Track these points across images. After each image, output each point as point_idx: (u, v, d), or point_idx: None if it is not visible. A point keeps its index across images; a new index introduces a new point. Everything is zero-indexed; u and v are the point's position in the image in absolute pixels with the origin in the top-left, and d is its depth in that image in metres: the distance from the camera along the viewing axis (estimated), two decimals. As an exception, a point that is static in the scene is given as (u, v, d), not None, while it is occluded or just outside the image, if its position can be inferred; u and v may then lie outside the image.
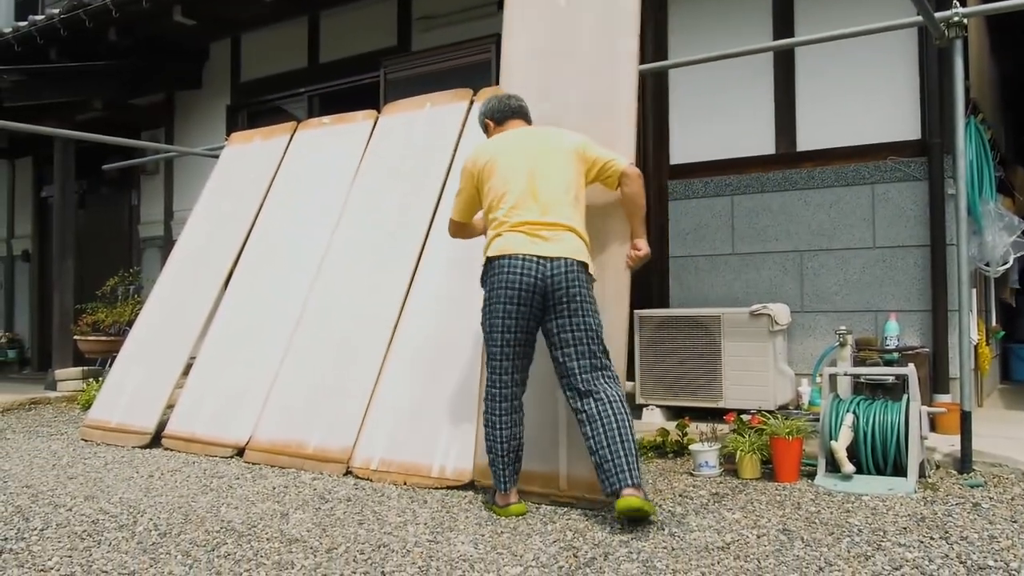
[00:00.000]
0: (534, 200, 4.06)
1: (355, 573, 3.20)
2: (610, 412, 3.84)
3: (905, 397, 4.45)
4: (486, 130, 4.55)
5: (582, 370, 3.93)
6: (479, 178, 4.26)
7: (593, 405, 3.87)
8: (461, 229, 4.54)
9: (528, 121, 4.51)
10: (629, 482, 3.70)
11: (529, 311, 3.99)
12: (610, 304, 4.37)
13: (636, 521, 3.73)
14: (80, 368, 9.18)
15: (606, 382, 3.93)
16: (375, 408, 5.16)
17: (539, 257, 3.96)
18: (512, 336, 4.01)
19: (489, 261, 4.10)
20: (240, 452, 5.54)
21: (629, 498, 3.66)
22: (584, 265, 4.02)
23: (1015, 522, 3.67)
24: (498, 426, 4.04)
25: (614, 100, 4.75)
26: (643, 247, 4.35)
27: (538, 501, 4.20)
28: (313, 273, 6.01)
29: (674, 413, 5.77)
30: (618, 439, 3.79)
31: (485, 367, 4.16)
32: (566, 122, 4.63)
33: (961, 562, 3.15)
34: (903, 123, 5.94)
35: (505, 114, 4.46)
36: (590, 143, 4.27)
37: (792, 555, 3.28)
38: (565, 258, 3.97)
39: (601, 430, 3.82)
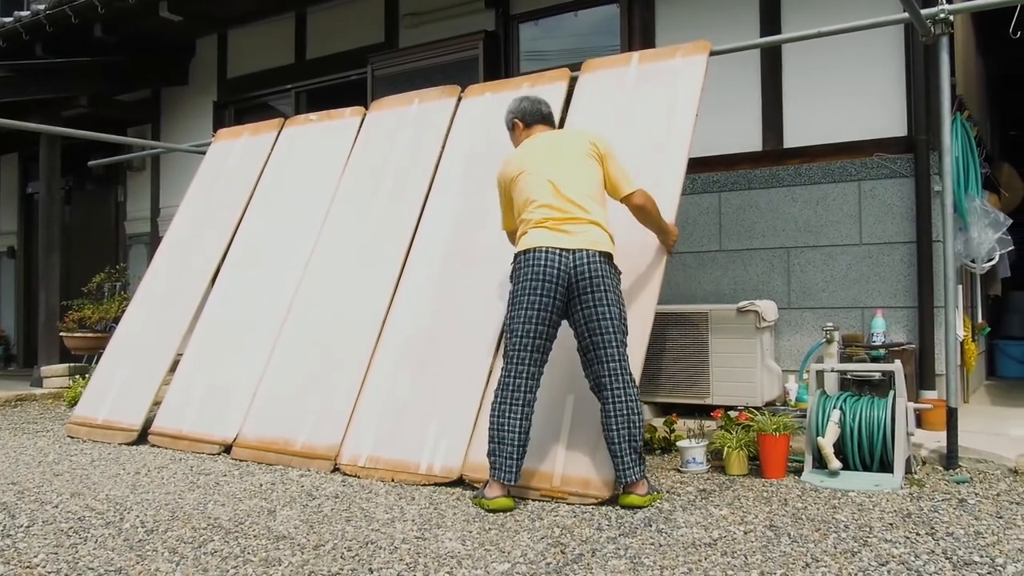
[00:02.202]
0: (557, 199, 4.17)
1: (342, 570, 3.20)
2: (624, 411, 4.01)
3: (891, 393, 4.46)
4: (513, 129, 4.63)
5: (601, 361, 4.06)
6: (508, 189, 4.43)
7: (611, 402, 4.03)
8: (514, 236, 4.48)
9: (553, 126, 4.64)
10: (634, 478, 3.99)
11: (552, 302, 4.06)
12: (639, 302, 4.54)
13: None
14: (66, 365, 9.14)
15: (624, 378, 4.05)
16: (362, 405, 5.16)
17: (562, 249, 4.07)
18: (534, 328, 4.08)
19: (516, 257, 4.21)
20: (227, 449, 5.53)
21: (629, 496, 4.00)
22: (607, 256, 4.13)
23: (1000, 518, 3.69)
24: (510, 415, 4.07)
25: (667, 166, 4.90)
26: (670, 233, 4.59)
27: (527, 497, 4.20)
28: (300, 270, 6.00)
29: (662, 409, 5.78)
30: (627, 438, 4.00)
31: (503, 359, 4.18)
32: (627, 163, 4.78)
33: (947, 558, 3.17)
34: (890, 120, 5.96)
35: (535, 118, 4.57)
36: (611, 153, 4.33)
37: (779, 551, 3.29)
38: (587, 249, 4.08)
39: (614, 427, 4.00)
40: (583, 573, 3.11)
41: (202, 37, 9.90)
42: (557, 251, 4.06)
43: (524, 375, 4.09)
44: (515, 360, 4.10)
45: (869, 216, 5.97)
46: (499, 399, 4.11)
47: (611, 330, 4.04)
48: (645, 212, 4.33)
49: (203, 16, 9.04)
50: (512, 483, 4.06)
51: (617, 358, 4.05)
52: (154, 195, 10.43)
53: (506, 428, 4.06)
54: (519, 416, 4.06)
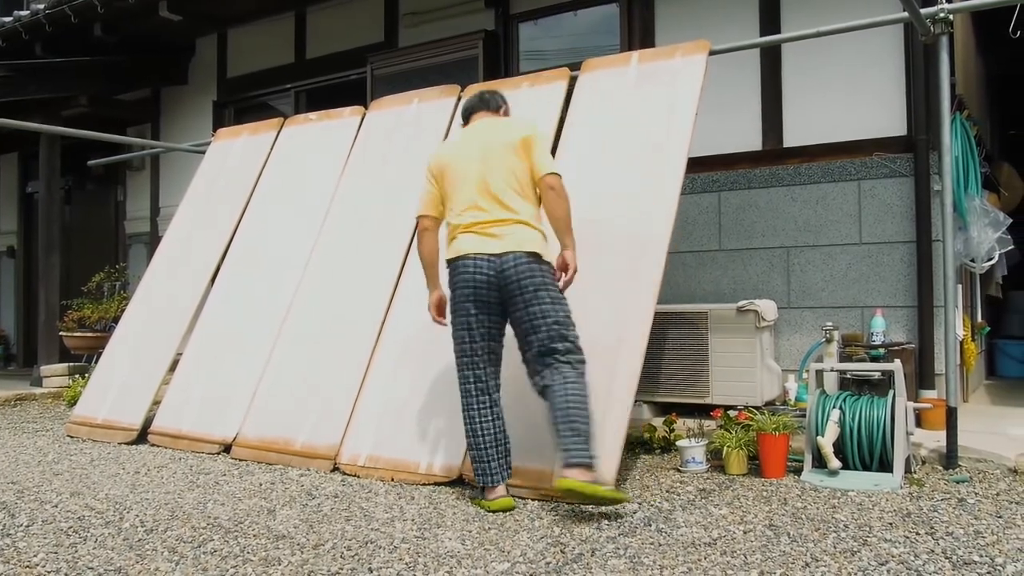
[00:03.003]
0: (484, 198, 4.14)
1: (342, 569, 3.20)
2: (561, 393, 3.94)
3: (891, 393, 4.46)
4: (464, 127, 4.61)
5: (536, 355, 4.05)
6: (439, 180, 4.37)
7: (546, 390, 4.02)
8: (425, 232, 4.43)
9: (496, 113, 4.48)
10: (571, 461, 3.85)
11: (488, 307, 4.10)
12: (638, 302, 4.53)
13: (593, 503, 3.91)
14: (66, 364, 9.14)
15: (560, 366, 3.99)
16: (362, 404, 5.16)
17: (489, 255, 4.06)
18: (474, 337, 4.14)
19: (448, 264, 4.23)
20: (227, 449, 5.53)
21: (563, 479, 3.83)
22: (534, 255, 4.06)
23: (1000, 517, 3.69)
24: (478, 419, 4.13)
25: (667, 166, 4.88)
26: (568, 263, 4.16)
27: (527, 497, 4.20)
28: (300, 269, 6.00)
29: (661, 409, 5.78)
30: (566, 419, 3.91)
31: (456, 369, 4.23)
32: (622, 178, 4.95)
33: (947, 557, 3.17)
34: (889, 119, 5.96)
35: (475, 107, 4.51)
36: (538, 139, 4.21)
37: (778, 551, 3.29)
38: (513, 252, 4.04)
39: (554, 412, 3.96)
40: (583, 572, 3.11)
41: (202, 37, 9.90)
42: (485, 257, 4.06)
43: (478, 380, 4.16)
44: (465, 369, 4.18)
45: (869, 216, 5.97)
46: (466, 406, 4.18)
47: (545, 328, 4.02)
48: (554, 197, 4.11)
49: (203, 16, 9.04)
50: (502, 483, 4.10)
51: (554, 352, 4.04)
52: (154, 195, 10.43)
53: (478, 434, 4.13)
54: (487, 419, 4.14)
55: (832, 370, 4.89)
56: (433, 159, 4.44)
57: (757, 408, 5.01)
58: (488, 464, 4.09)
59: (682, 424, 5.27)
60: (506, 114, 4.52)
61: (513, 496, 4.11)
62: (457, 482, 4.54)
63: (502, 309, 4.12)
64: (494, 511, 3.98)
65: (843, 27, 5.10)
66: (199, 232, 6.87)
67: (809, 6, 6.19)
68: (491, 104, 4.49)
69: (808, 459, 4.53)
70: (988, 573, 3.00)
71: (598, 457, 3.94)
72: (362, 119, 6.45)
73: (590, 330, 4.56)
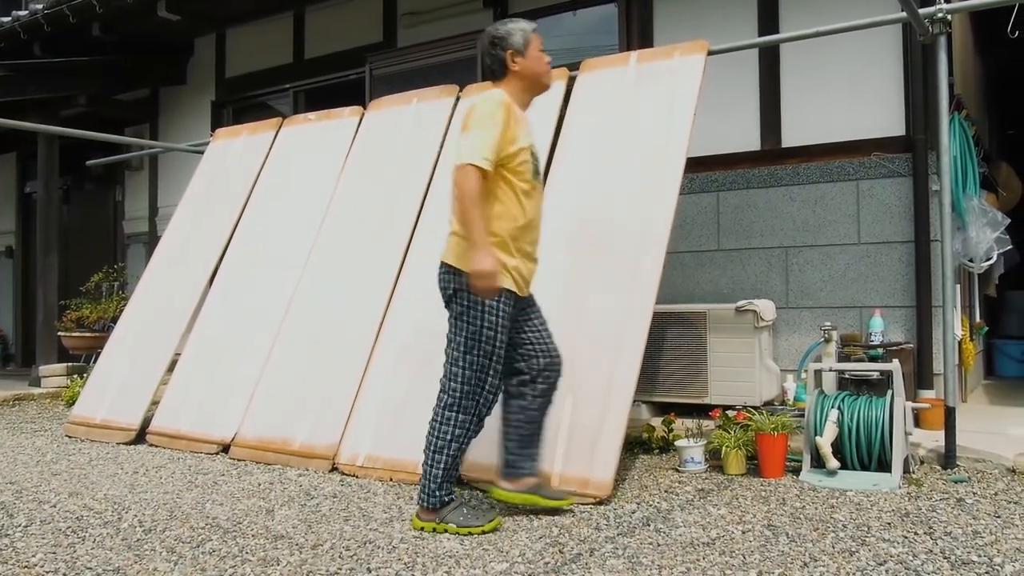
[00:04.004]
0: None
1: (340, 570, 3.20)
2: (429, 432, 3.83)
3: (889, 393, 4.47)
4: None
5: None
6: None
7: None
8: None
9: (490, 79, 4.00)
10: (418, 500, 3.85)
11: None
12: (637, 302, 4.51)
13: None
14: (64, 364, 9.14)
15: (442, 392, 3.82)
16: (361, 404, 5.16)
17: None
18: None
19: None
20: (225, 449, 5.53)
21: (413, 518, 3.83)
22: (450, 268, 3.79)
23: (999, 517, 3.69)
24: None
25: (666, 165, 4.86)
26: (474, 245, 3.60)
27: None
28: (299, 269, 5.99)
29: (660, 409, 5.77)
30: (424, 460, 3.84)
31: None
32: (621, 178, 4.90)
33: (945, 557, 3.17)
34: (888, 119, 5.96)
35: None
36: (468, 123, 3.74)
37: (777, 550, 3.29)
38: (440, 261, 3.85)
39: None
40: (581, 573, 3.11)
41: (200, 37, 9.90)
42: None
43: None
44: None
45: (867, 216, 5.97)
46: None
47: (448, 349, 3.83)
48: (456, 192, 3.64)
49: (201, 16, 9.04)
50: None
51: (441, 384, 3.84)
52: (152, 195, 10.42)
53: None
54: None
55: (830, 370, 4.89)
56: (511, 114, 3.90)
57: (756, 408, 5.01)
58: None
59: (680, 424, 5.27)
60: (499, 77, 3.96)
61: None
62: (456, 482, 4.53)
63: None
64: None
65: (842, 27, 5.10)
66: (198, 232, 6.87)
67: (808, 6, 6.19)
68: (484, 71, 4.05)
69: (807, 459, 4.53)
70: (986, 573, 3.01)
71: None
72: (361, 119, 6.45)
73: (589, 330, 4.58)
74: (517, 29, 3.97)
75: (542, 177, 4.01)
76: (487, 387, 3.80)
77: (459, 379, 3.76)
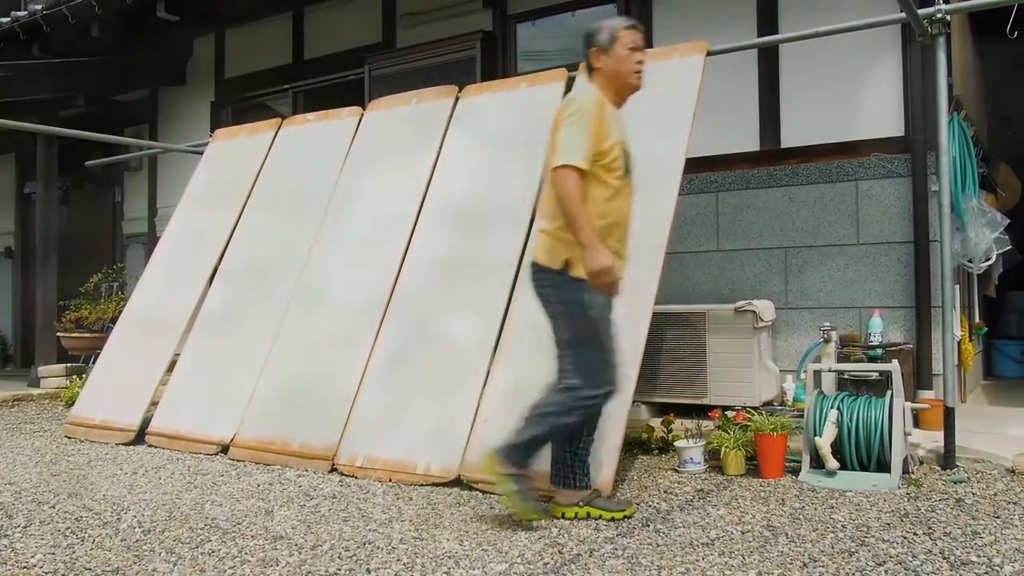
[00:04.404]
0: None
1: (340, 570, 3.20)
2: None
3: (889, 393, 4.47)
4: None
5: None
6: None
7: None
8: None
9: (589, 72, 3.98)
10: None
11: None
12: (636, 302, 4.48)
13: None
14: (64, 365, 9.14)
15: (556, 390, 3.77)
16: (360, 404, 5.16)
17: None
18: None
19: None
20: (225, 449, 5.52)
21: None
22: (541, 266, 3.79)
23: (998, 518, 3.69)
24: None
25: (665, 166, 4.89)
26: (591, 264, 3.59)
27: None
28: (298, 269, 5.99)
29: (659, 409, 5.77)
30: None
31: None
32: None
33: (944, 558, 3.17)
34: (887, 120, 5.96)
35: None
36: (560, 123, 3.75)
37: (776, 551, 3.29)
38: (531, 261, 3.88)
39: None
40: (581, 573, 3.11)
41: (200, 37, 9.89)
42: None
43: None
44: None
45: (866, 216, 5.97)
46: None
47: (558, 351, 3.81)
48: (557, 194, 3.65)
49: (200, 16, 9.03)
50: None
51: (554, 383, 3.80)
52: (151, 195, 10.42)
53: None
54: None
55: (830, 370, 4.89)
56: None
57: (755, 408, 5.02)
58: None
59: (680, 425, 5.27)
60: (590, 74, 3.96)
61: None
62: (455, 483, 4.53)
63: None
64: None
65: (841, 28, 5.11)
66: (197, 232, 6.86)
67: (807, 7, 6.19)
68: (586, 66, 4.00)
69: (806, 459, 4.53)
70: (986, 573, 3.01)
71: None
72: (360, 119, 6.45)
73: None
74: (606, 27, 3.94)
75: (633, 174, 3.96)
76: (605, 377, 3.72)
77: (574, 375, 3.71)
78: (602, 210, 3.72)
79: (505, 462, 3.70)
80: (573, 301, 3.70)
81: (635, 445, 5.19)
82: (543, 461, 3.96)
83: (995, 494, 4.09)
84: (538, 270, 3.81)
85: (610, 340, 3.74)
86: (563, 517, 3.84)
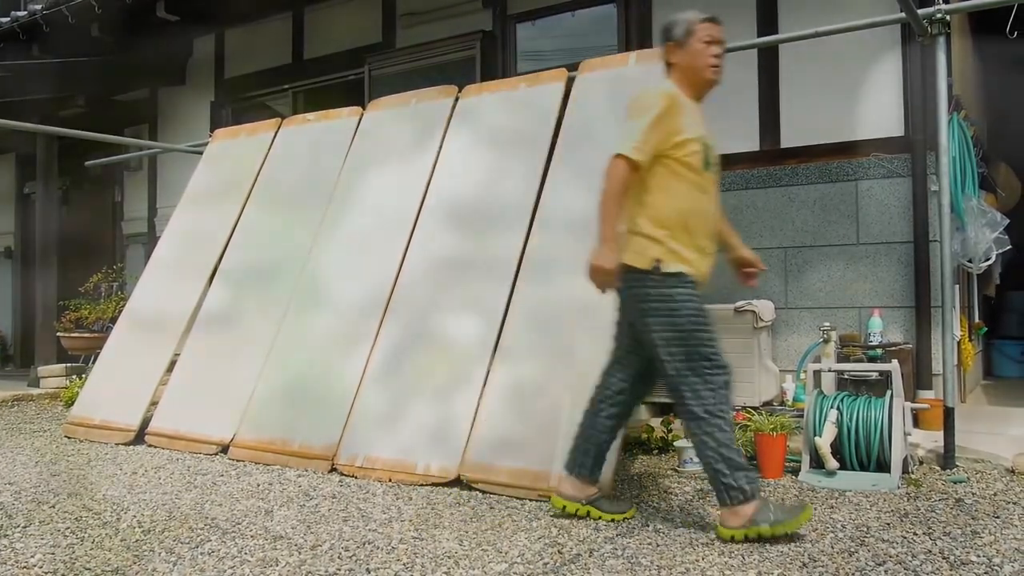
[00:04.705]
0: None
1: (340, 570, 3.20)
2: (693, 439, 3.61)
3: (888, 393, 4.47)
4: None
5: (667, 384, 3.68)
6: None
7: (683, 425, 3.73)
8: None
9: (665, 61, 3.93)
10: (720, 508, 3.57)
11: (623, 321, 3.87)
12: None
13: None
14: (63, 365, 9.14)
15: (682, 397, 3.58)
16: (360, 404, 5.15)
17: None
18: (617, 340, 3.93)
19: None
20: (224, 449, 5.52)
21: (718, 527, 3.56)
22: (628, 268, 3.62)
23: (998, 517, 3.69)
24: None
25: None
26: (593, 258, 3.57)
27: (524, 497, 4.20)
28: (298, 269, 5.99)
29: (659, 409, 5.77)
30: (705, 466, 3.59)
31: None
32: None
33: (944, 558, 3.17)
34: (887, 120, 5.96)
35: None
36: (631, 109, 3.70)
37: (776, 551, 3.29)
38: (620, 264, 3.63)
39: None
40: (580, 573, 3.11)
41: (199, 37, 9.89)
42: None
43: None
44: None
45: (866, 216, 5.97)
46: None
47: (658, 355, 3.62)
48: (603, 187, 3.58)
49: (200, 16, 9.02)
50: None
51: (672, 391, 3.62)
52: (151, 195, 10.43)
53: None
54: None
55: (830, 370, 4.89)
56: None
57: (755, 408, 5.02)
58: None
59: (680, 424, 5.26)
60: (667, 68, 3.91)
61: (511, 496, 4.11)
62: (455, 483, 4.52)
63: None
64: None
65: (840, 27, 5.11)
66: (196, 232, 6.86)
67: (806, 7, 6.20)
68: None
69: (806, 459, 4.53)
70: (985, 573, 3.01)
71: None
72: (360, 119, 6.45)
73: (588, 328, 4.58)
74: (682, 20, 3.82)
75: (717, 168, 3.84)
76: (710, 373, 3.54)
77: (682, 376, 3.55)
78: (678, 204, 3.62)
79: (737, 512, 3.45)
80: (666, 298, 3.58)
81: (635, 445, 5.20)
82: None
83: (995, 494, 4.09)
84: (627, 272, 3.64)
85: (706, 332, 3.58)
86: (563, 511, 3.81)
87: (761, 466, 4.55)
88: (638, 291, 3.65)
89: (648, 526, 3.68)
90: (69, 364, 9.13)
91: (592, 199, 4.82)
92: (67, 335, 9.05)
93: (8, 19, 9.15)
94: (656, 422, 5.29)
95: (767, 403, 5.61)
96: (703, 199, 3.71)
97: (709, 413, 3.50)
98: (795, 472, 4.53)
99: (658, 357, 3.61)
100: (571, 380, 4.42)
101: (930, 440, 4.86)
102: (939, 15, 4.68)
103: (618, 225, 3.58)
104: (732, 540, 3.42)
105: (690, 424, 3.58)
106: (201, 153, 7.60)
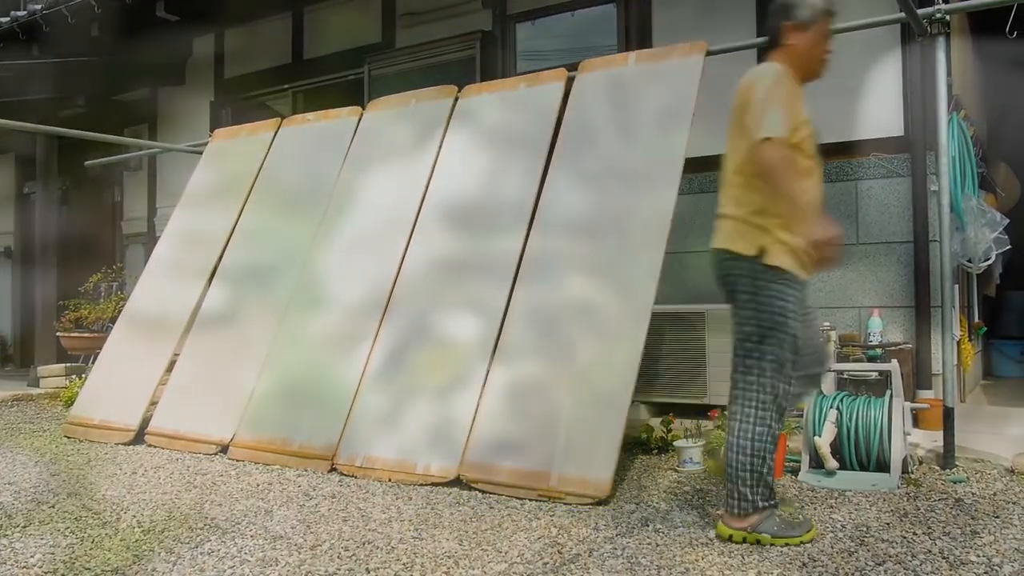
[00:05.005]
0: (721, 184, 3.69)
1: (339, 570, 3.20)
2: (733, 432, 3.49)
3: (888, 393, 4.47)
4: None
5: (732, 370, 3.58)
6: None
7: (730, 415, 3.56)
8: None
9: (773, 48, 3.70)
10: (725, 507, 3.53)
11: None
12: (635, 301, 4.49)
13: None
14: (63, 365, 9.13)
15: (742, 389, 3.51)
16: (360, 404, 5.15)
17: (713, 249, 3.72)
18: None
19: None
20: (224, 449, 5.52)
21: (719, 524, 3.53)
22: (731, 253, 3.56)
23: (997, 517, 3.69)
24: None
25: (665, 166, 4.90)
26: (816, 235, 3.29)
27: (524, 498, 4.20)
28: (298, 269, 5.99)
29: (659, 409, 5.77)
30: (731, 461, 3.49)
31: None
32: (620, 179, 4.89)
33: (943, 557, 3.17)
34: (886, 120, 5.96)
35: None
36: (749, 103, 3.47)
37: (776, 551, 3.29)
38: (716, 248, 3.65)
39: (726, 447, 3.54)
40: (580, 573, 3.11)
41: (199, 37, 9.88)
42: (712, 251, 3.69)
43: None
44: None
45: (866, 216, 5.97)
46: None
47: (738, 338, 3.56)
48: (762, 170, 3.39)
49: (200, 16, 9.02)
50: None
51: (736, 380, 3.54)
52: (151, 195, 10.42)
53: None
54: None
55: (829, 370, 4.89)
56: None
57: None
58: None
59: (679, 424, 5.26)
60: (774, 46, 3.69)
61: (510, 496, 4.11)
62: (454, 483, 4.53)
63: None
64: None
65: (840, 27, 5.08)
66: (196, 232, 6.86)
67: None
68: (773, 36, 3.69)
69: (805, 459, 4.53)
70: (985, 573, 3.01)
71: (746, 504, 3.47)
72: (360, 119, 6.45)
73: (588, 329, 4.58)
74: (809, 3, 3.57)
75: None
76: (786, 377, 3.46)
77: (757, 371, 3.46)
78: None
79: (742, 518, 3.44)
80: (765, 291, 3.46)
81: (635, 445, 5.19)
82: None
83: (994, 494, 4.09)
84: (728, 257, 3.57)
85: (786, 334, 3.45)
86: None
87: (761, 466, 4.55)
88: (735, 277, 3.56)
89: (648, 526, 3.68)
90: (69, 364, 9.13)
91: (592, 198, 4.87)
92: (67, 335, 9.05)
93: (8, 19, 9.14)
94: (656, 422, 5.28)
95: (767, 403, 5.59)
96: (812, 185, 3.54)
97: (759, 419, 3.43)
98: (795, 472, 4.53)
99: (742, 347, 3.53)
100: (571, 380, 4.42)
101: (930, 440, 4.86)
102: (939, 15, 4.68)
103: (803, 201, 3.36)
104: (731, 540, 3.42)
105: (732, 422, 3.50)
106: (201, 153, 7.59)
